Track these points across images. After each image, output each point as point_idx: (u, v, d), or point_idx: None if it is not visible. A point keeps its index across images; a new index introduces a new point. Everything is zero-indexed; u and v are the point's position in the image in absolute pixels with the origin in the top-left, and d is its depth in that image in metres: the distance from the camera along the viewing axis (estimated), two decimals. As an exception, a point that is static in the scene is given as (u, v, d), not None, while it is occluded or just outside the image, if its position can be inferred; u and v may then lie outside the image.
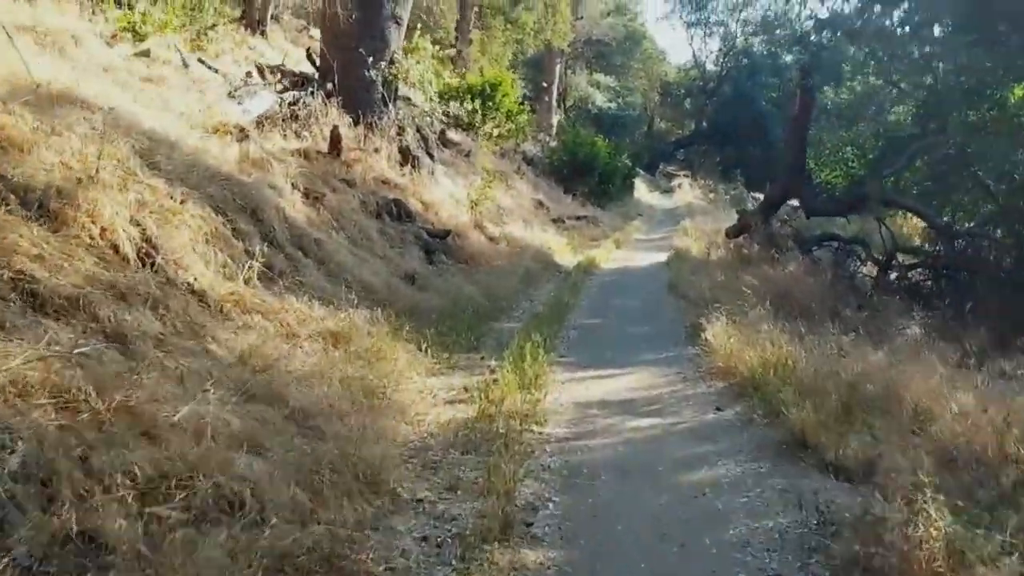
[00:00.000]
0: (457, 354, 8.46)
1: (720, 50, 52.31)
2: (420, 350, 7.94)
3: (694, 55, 69.26)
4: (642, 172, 40.15)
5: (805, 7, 44.97)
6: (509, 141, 25.04)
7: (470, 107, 21.48)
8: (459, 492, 5.22)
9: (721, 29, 51.65)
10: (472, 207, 15.35)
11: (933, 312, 12.79)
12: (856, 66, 26.50)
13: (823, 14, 40.34)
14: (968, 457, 5.63)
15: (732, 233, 17.32)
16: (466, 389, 7.33)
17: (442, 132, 21.23)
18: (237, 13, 22.57)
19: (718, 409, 7.24)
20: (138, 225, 6.74)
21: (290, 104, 13.86)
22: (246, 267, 7.48)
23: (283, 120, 13.45)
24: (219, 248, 7.68)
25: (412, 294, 10.31)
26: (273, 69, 16.11)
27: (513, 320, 10.78)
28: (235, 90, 13.30)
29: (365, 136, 14.24)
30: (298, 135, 13.39)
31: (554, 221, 20.80)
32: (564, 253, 16.98)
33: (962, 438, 5.81)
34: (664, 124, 57.85)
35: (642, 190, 37.91)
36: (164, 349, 5.28)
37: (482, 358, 8.50)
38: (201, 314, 6.36)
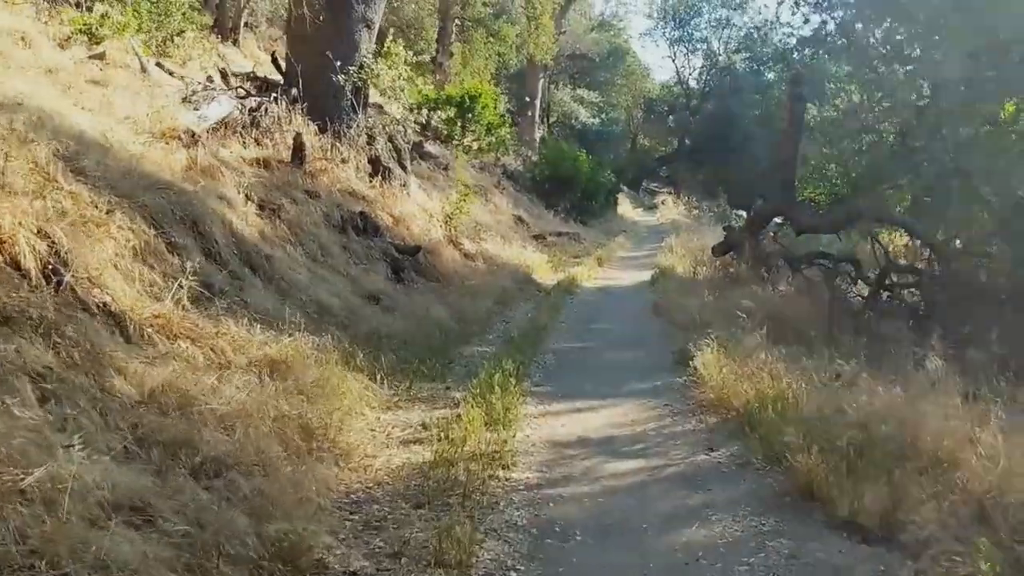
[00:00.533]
0: (419, 384, 7.54)
1: (703, 67, 51.85)
2: (376, 380, 7.02)
3: (677, 72, 68.70)
4: (625, 188, 39.41)
5: (788, 26, 44.42)
6: (489, 155, 24.21)
7: (445, 116, 20.60)
8: (404, 560, 4.28)
9: (704, 46, 51.18)
10: (446, 222, 14.45)
11: (929, 336, 11.95)
12: (839, 83, 26.05)
13: (806, 32, 40.00)
14: (1005, 510, 4.77)
15: (719, 251, 16.48)
16: (425, 426, 6.41)
17: (419, 144, 20.41)
18: (209, 20, 21.79)
19: (710, 450, 6.33)
20: (47, 237, 5.80)
21: (251, 110, 12.94)
22: (177, 286, 6.53)
23: (243, 127, 12.52)
24: (149, 264, 6.77)
25: (375, 316, 9.39)
26: (237, 75, 15.22)
27: (486, 344, 9.86)
28: (191, 95, 12.35)
29: (332, 145, 13.33)
30: (259, 143, 12.46)
31: (535, 237, 19.93)
32: (544, 271, 16.09)
33: (995, 488, 4.94)
34: (647, 141, 57.23)
35: (626, 206, 37.16)
36: (46, 387, 4.33)
37: (447, 388, 7.58)
38: (110, 341, 5.41)
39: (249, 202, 9.98)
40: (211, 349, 6.23)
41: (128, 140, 9.23)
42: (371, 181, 13.74)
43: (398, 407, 6.88)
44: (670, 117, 54.60)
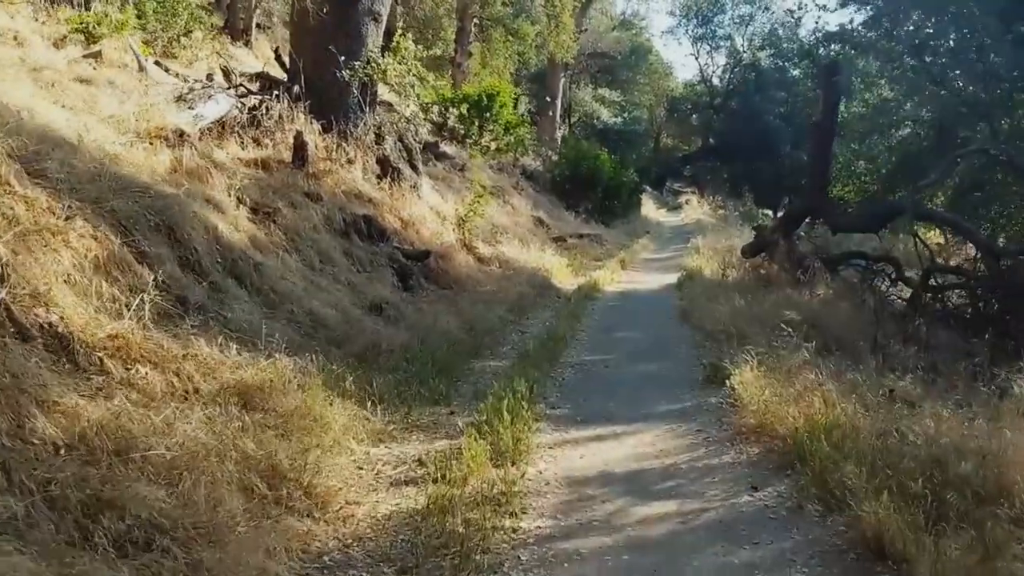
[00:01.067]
0: (420, 409, 6.63)
1: (727, 64, 50.59)
2: (368, 406, 6.13)
3: (701, 70, 67.59)
4: (648, 188, 38.31)
5: (814, 21, 43.21)
6: (508, 155, 23.30)
7: (457, 113, 19.74)
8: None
9: (727, 43, 49.93)
10: (459, 225, 13.54)
11: (985, 344, 10.91)
12: (867, 79, 25.13)
13: (832, 28, 38.81)
14: None
15: (749, 252, 15.48)
16: (421, 462, 5.50)
17: (434, 144, 19.57)
18: (220, 21, 21.08)
19: (754, 488, 5.35)
20: (-15, 248, 4.99)
21: (251, 109, 12.12)
22: (139, 301, 5.67)
23: (243, 127, 11.71)
24: (113, 277, 5.93)
25: (376, 328, 8.49)
26: (244, 74, 14.42)
27: (498, 358, 8.93)
28: (187, 93, 11.54)
29: (338, 145, 12.48)
30: (259, 143, 11.65)
31: (555, 240, 18.97)
32: (564, 275, 15.13)
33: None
34: (670, 140, 56.06)
35: (649, 206, 36.09)
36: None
37: (451, 413, 6.67)
38: (46, 370, 4.55)
39: (241, 206, 9.15)
40: (175, 375, 5.36)
41: (107, 140, 8.42)
42: (379, 183, 12.88)
43: (392, 438, 5.97)
44: (693, 116, 53.34)
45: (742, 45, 49.32)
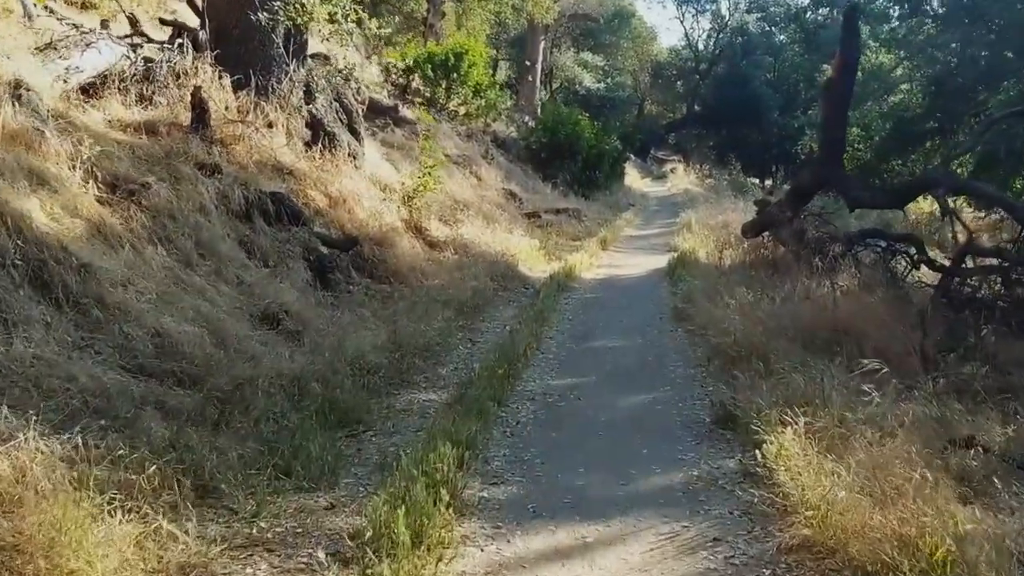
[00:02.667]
0: (279, 502, 4.15)
1: (712, 28, 47.90)
2: (181, 509, 3.68)
3: (686, 34, 64.98)
4: (632, 157, 35.69)
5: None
6: (477, 120, 20.68)
7: (421, 74, 17.19)
8: None
9: (713, 6, 47.19)
10: (405, 202, 11.00)
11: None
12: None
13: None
14: None
15: (750, 231, 13.02)
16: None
17: (393, 108, 16.99)
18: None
19: None
20: None
21: (146, 60, 9.56)
22: None
23: (138, 82, 9.19)
24: None
25: (262, 350, 6.02)
26: (165, 22, 11.76)
27: (432, 387, 6.47)
28: (56, 41, 8.95)
29: (255, 105, 9.94)
30: (150, 102, 9.11)
31: (527, 216, 16.40)
32: (534, 260, 12.59)
33: None
34: (654, 107, 53.29)
35: (633, 176, 33.48)
36: None
37: (330, 508, 4.20)
38: None
39: (91, 181, 6.63)
40: None
41: None
42: (309, 151, 10.34)
43: (208, 571, 3.52)
44: (678, 82, 50.71)
45: (728, 8, 46.74)
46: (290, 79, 10.53)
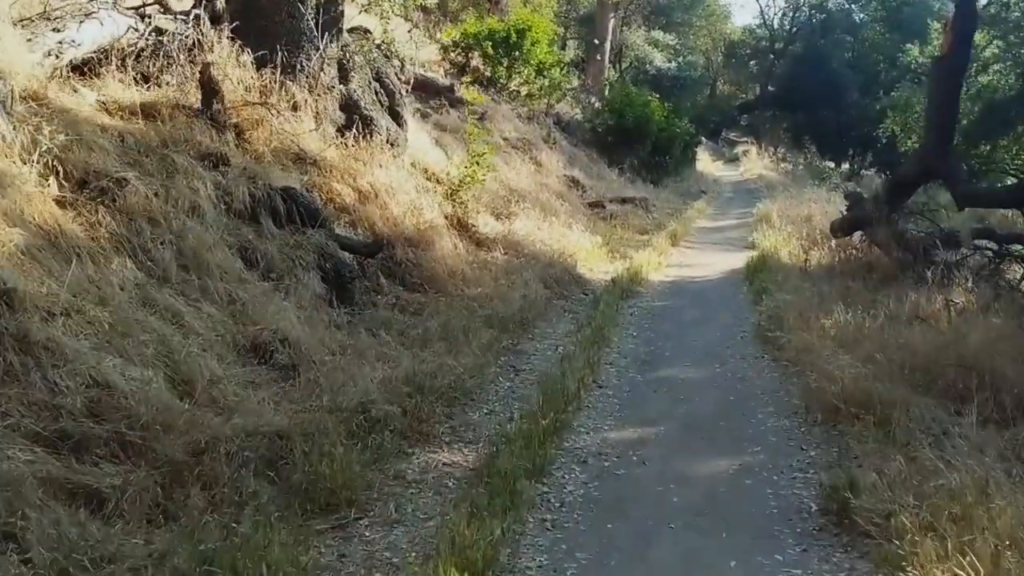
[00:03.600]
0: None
1: (789, 5, 45.20)
2: None
3: (761, 11, 62.14)
4: (704, 139, 33.66)
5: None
6: (540, 101, 19.11)
7: (481, 52, 15.69)
8: None
9: (791, -19, 44.43)
10: (449, 195, 9.55)
11: None
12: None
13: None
14: None
15: (840, 229, 11.28)
16: None
17: (449, 88, 15.52)
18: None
19: None
20: None
21: (157, 32, 8.27)
22: None
23: (143, 58, 7.92)
24: None
25: (237, 399, 4.65)
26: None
27: (456, 444, 5.02)
28: (51, 9, 7.70)
29: (281, 84, 8.59)
30: (156, 82, 7.82)
31: (590, 206, 14.82)
32: (596, 259, 11.02)
33: None
34: (726, 87, 50.82)
35: (704, 159, 31.48)
36: None
37: None
38: None
39: (53, 178, 5.36)
40: None
41: None
42: (342, 137, 8.97)
43: None
44: (752, 62, 48.13)
45: (807, -17, 43.91)
46: (321, 56, 9.16)
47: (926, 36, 31.65)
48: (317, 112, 8.92)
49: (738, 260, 11.82)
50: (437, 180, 10.22)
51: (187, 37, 8.23)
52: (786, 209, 15.52)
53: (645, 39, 38.54)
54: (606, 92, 28.42)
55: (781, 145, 38.47)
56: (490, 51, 17.57)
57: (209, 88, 7.58)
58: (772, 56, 44.25)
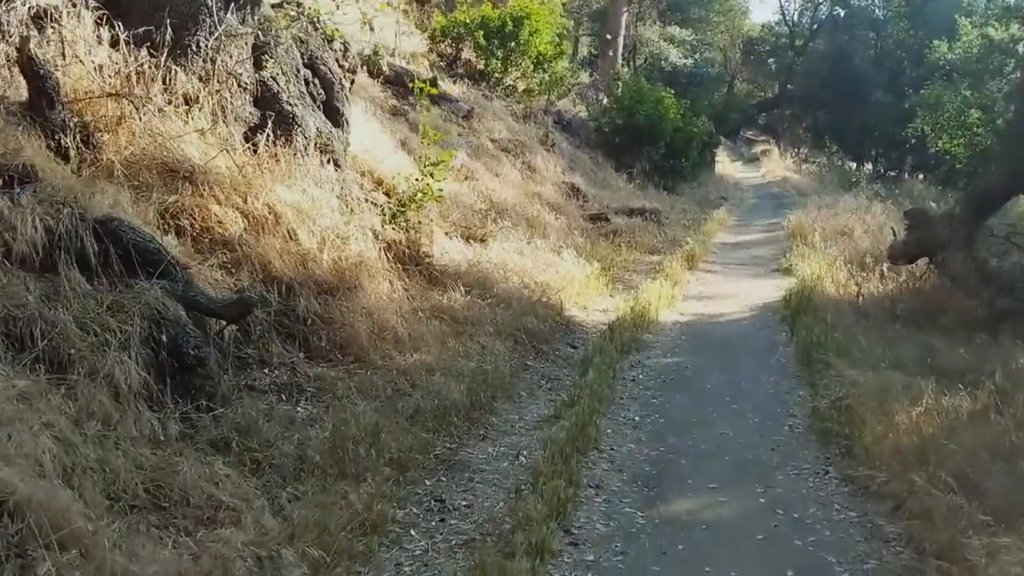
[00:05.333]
0: None
1: (808, 2, 42.48)
2: None
3: (781, 8, 59.42)
4: (723, 139, 31.08)
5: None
6: (539, 98, 16.61)
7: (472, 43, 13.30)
8: None
9: (812, -24, 41.76)
10: (393, 219, 7.05)
11: None
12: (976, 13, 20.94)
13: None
14: None
15: (902, 255, 8.79)
16: None
17: (432, 80, 13.07)
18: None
19: None
20: None
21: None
22: None
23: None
24: None
25: None
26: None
27: None
28: None
29: (167, 71, 6.19)
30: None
31: (592, 219, 12.29)
32: (591, 293, 8.52)
33: None
34: (744, 86, 48.11)
35: (723, 160, 28.78)
36: None
37: None
38: None
39: None
40: None
41: None
42: (251, 141, 6.56)
43: None
44: (771, 59, 45.42)
45: (828, -22, 41.17)
46: (230, 36, 6.74)
47: (954, 32, 29.14)
48: (219, 108, 6.52)
49: (771, 290, 9.32)
50: (388, 194, 7.79)
51: (29, 5, 5.85)
52: (820, 219, 12.96)
53: (660, 35, 35.97)
54: (617, 90, 25.87)
55: (801, 144, 35.91)
56: (482, 41, 15.12)
57: (33, 73, 5.20)
58: (792, 53, 41.63)
